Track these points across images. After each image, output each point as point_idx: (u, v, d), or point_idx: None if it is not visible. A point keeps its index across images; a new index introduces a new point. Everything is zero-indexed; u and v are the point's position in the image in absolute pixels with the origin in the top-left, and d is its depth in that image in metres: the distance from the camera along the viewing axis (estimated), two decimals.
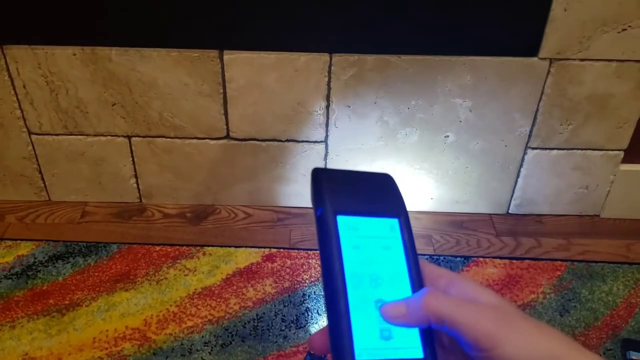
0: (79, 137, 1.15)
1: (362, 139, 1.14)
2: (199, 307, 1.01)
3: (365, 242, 0.33)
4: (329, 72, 1.05)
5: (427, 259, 1.12)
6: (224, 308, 1.01)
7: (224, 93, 1.08)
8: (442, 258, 1.12)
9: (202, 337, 0.96)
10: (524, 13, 0.98)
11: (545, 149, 1.14)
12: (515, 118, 1.10)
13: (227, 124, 1.12)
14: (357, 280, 0.32)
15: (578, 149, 1.14)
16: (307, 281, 1.06)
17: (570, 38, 1.00)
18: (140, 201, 1.25)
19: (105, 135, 1.15)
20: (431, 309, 0.31)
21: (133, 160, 1.18)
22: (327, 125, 1.12)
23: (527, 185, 1.19)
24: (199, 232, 1.19)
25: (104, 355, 0.93)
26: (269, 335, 0.97)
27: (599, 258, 1.14)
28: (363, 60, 1.03)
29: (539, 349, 0.30)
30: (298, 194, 1.23)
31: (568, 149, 1.14)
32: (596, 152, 1.14)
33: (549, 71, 1.04)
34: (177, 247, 1.13)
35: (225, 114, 1.11)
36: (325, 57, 1.03)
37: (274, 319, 0.99)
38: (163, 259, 1.10)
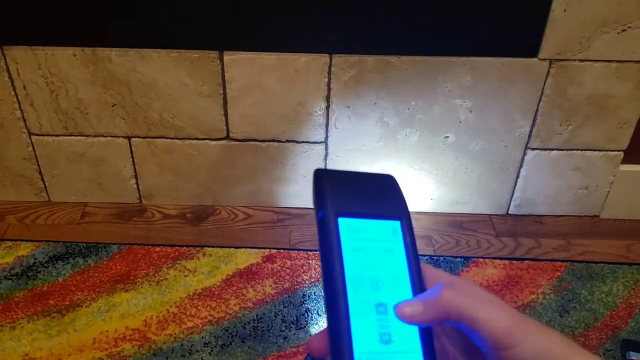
0: (79, 137, 1.15)
1: (362, 140, 1.14)
2: (199, 307, 1.01)
3: (367, 244, 0.33)
4: (329, 72, 1.05)
5: (427, 259, 1.12)
6: (224, 309, 1.01)
7: (224, 94, 1.08)
8: (442, 259, 1.12)
9: (202, 337, 0.96)
10: (524, 13, 0.98)
11: (545, 149, 1.14)
12: (515, 119, 1.10)
13: (227, 125, 1.12)
14: (357, 283, 0.32)
15: (578, 149, 1.14)
16: (307, 282, 1.06)
17: (570, 39, 1.00)
18: (141, 202, 1.25)
19: (106, 136, 1.15)
20: (451, 304, 0.31)
21: (133, 161, 1.18)
22: (327, 125, 1.12)
23: (526, 186, 1.20)
24: (199, 232, 1.19)
25: (104, 355, 0.93)
26: (269, 336, 0.97)
27: (599, 259, 1.14)
28: (363, 61, 1.03)
29: (552, 352, 0.30)
30: (298, 194, 1.23)
31: (568, 150, 1.14)
32: (596, 152, 1.14)
33: (548, 72, 1.04)
34: (177, 247, 1.13)
35: (226, 114, 1.11)
36: (325, 57, 1.03)
37: (274, 320, 0.99)
38: (163, 259, 1.10)
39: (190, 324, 0.98)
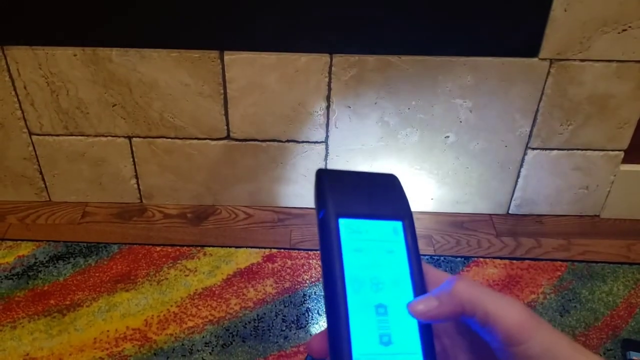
0: (80, 137, 1.15)
1: (362, 140, 1.14)
2: (199, 307, 1.01)
3: (368, 245, 0.33)
4: (330, 72, 1.05)
5: (427, 259, 1.12)
6: (225, 308, 1.01)
7: (225, 93, 1.08)
8: (442, 258, 1.12)
9: (203, 337, 0.96)
10: (524, 13, 0.98)
11: (546, 149, 1.14)
12: (515, 118, 1.10)
13: (227, 125, 1.12)
14: (357, 284, 0.31)
15: (578, 149, 1.14)
16: (307, 281, 1.06)
17: (571, 38, 1.00)
18: (141, 202, 1.25)
19: (106, 136, 1.15)
20: (464, 296, 0.31)
21: (134, 160, 1.18)
22: (327, 125, 1.12)
23: (527, 186, 1.20)
24: (199, 232, 1.19)
25: (104, 355, 0.93)
26: (270, 336, 0.97)
27: (599, 258, 1.14)
28: (363, 61, 1.03)
29: (559, 351, 0.30)
30: (298, 194, 1.23)
31: (568, 150, 1.14)
32: (596, 152, 1.14)
33: (549, 71, 1.04)
34: (178, 247, 1.13)
35: (226, 114, 1.11)
36: (325, 57, 1.03)
37: (274, 320, 0.99)
38: (164, 259, 1.10)
39: (191, 324, 0.98)
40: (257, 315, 1.00)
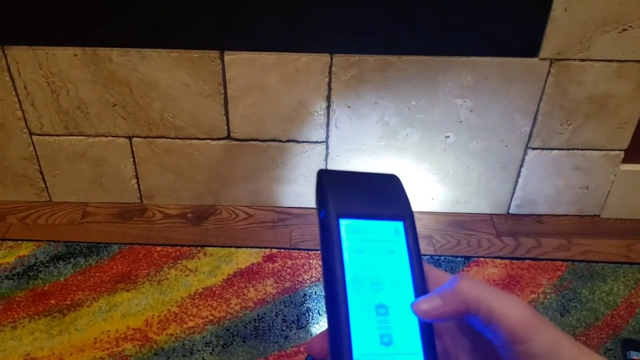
0: (80, 137, 1.15)
1: (362, 140, 1.14)
2: (200, 307, 1.01)
3: (369, 245, 0.33)
4: (330, 72, 1.05)
5: (427, 259, 1.12)
6: (225, 308, 1.01)
7: (225, 93, 1.08)
8: (442, 258, 1.12)
9: (203, 337, 0.96)
10: (524, 13, 0.98)
11: (546, 149, 1.14)
12: (515, 118, 1.10)
13: (227, 125, 1.12)
14: (358, 284, 0.31)
15: (578, 149, 1.14)
16: (307, 281, 1.06)
17: (571, 38, 1.00)
18: (141, 202, 1.25)
19: (106, 136, 1.15)
20: (468, 294, 0.30)
21: (134, 160, 1.18)
22: (327, 125, 1.12)
23: (527, 186, 1.20)
24: (199, 232, 1.19)
25: (105, 355, 0.93)
26: (270, 336, 0.97)
27: (600, 258, 1.14)
28: (364, 61, 1.03)
29: (562, 350, 0.29)
30: (299, 194, 1.23)
31: (568, 149, 1.14)
32: (596, 152, 1.14)
33: (549, 71, 1.04)
34: (178, 247, 1.13)
35: (226, 114, 1.11)
36: (325, 57, 1.03)
37: (275, 319, 0.99)
38: (164, 259, 1.10)
39: (191, 324, 0.98)
40: (258, 315, 1.00)
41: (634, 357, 0.94)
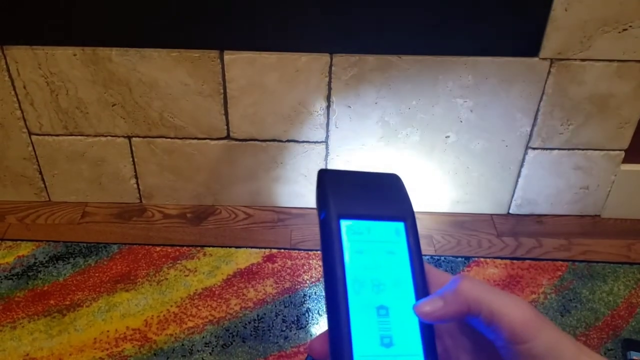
0: (79, 137, 1.15)
1: (362, 139, 1.13)
2: (199, 307, 1.01)
3: (369, 246, 0.33)
4: (330, 72, 1.05)
5: (428, 259, 1.12)
6: (225, 309, 1.01)
7: (225, 93, 1.08)
8: (443, 258, 1.12)
9: (203, 337, 0.96)
10: (524, 13, 0.98)
11: (546, 149, 1.14)
12: (516, 118, 1.10)
13: (227, 124, 1.12)
14: (359, 285, 0.31)
15: (579, 149, 1.14)
16: (307, 282, 1.06)
17: (571, 38, 1.00)
18: (141, 202, 1.25)
19: (106, 136, 1.15)
20: (469, 295, 0.30)
21: (133, 160, 1.18)
22: (327, 125, 1.12)
23: (527, 185, 1.19)
24: (199, 232, 1.18)
25: (104, 355, 0.93)
26: (270, 336, 0.97)
27: (600, 258, 1.14)
28: (364, 61, 1.03)
29: (563, 350, 0.29)
30: (298, 194, 1.23)
31: (569, 149, 1.14)
32: (597, 152, 1.14)
33: (549, 71, 1.04)
34: (178, 247, 1.13)
35: (226, 114, 1.11)
36: (326, 57, 1.03)
37: (274, 320, 0.99)
38: (163, 259, 1.10)
39: (190, 324, 0.98)
40: (257, 316, 1.00)
41: (634, 357, 0.93)
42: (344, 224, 0.32)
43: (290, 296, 1.03)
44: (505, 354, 0.30)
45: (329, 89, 1.07)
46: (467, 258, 1.12)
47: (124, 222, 1.21)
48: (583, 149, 1.14)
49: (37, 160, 1.19)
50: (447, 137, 1.13)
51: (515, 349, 0.30)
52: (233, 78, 1.06)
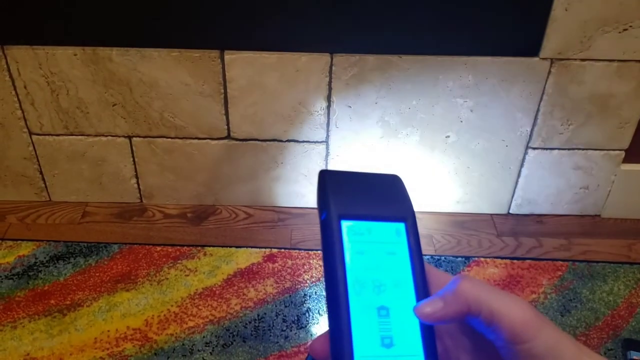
0: (80, 137, 1.15)
1: (363, 139, 1.14)
2: (200, 307, 1.01)
3: (370, 247, 0.33)
4: (330, 72, 1.05)
5: (428, 259, 1.12)
6: (225, 308, 1.01)
7: (225, 93, 1.08)
8: (443, 258, 1.12)
9: (203, 337, 0.96)
10: (525, 13, 0.98)
11: (546, 148, 1.14)
12: (516, 118, 1.10)
13: (228, 124, 1.12)
14: (359, 286, 0.31)
15: (579, 148, 1.14)
16: (308, 281, 1.06)
17: (571, 38, 1.00)
18: (141, 201, 1.25)
19: (106, 136, 1.15)
20: (469, 295, 0.30)
21: (134, 160, 1.18)
22: (328, 125, 1.12)
23: (528, 185, 1.19)
24: (199, 232, 1.18)
25: (105, 355, 0.93)
26: (270, 336, 0.97)
27: (600, 258, 1.14)
28: (364, 60, 1.03)
29: (563, 350, 0.29)
30: (299, 194, 1.23)
31: (569, 149, 1.14)
32: (597, 152, 1.14)
33: (550, 71, 1.04)
34: (178, 247, 1.13)
35: (226, 114, 1.11)
36: (326, 57, 1.03)
37: (275, 319, 0.99)
38: (164, 259, 1.10)
39: (191, 324, 0.98)
40: (258, 315, 1.00)
41: (635, 357, 0.94)
42: (345, 224, 0.33)
43: (290, 296, 1.03)
44: (505, 354, 0.30)
45: (329, 88, 1.07)
46: (467, 258, 1.12)
47: (124, 222, 1.21)
48: (583, 149, 1.14)
49: (38, 160, 1.19)
50: (447, 137, 1.13)
51: (515, 349, 0.30)
52: (233, 78, 1.06)
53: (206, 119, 1.11)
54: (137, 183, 1.22)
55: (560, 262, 1.12)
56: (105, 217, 1.22)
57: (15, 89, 1.08)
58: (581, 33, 0.99)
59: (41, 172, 1.21)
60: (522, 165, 1.16)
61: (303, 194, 1.23)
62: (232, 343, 0.96)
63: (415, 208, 0.35)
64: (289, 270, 1.08)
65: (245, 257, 1.11)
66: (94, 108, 1.11)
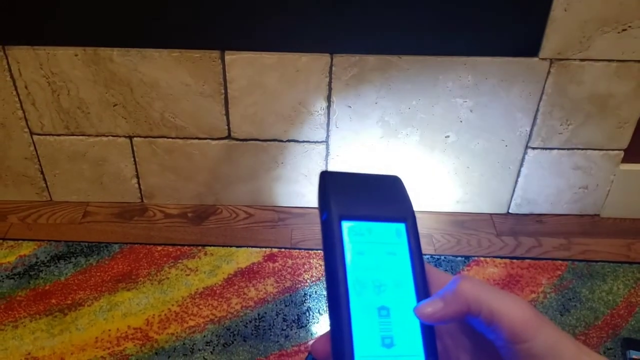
0: (81, 137, 1.15)
1: (363, 139, 1.14)
2: (200, 306, 1.01)
3: (370, 247, 0.33)
4: (330, 72, 1.05)
5: (428, 258, 1.12)
6: (226, 308, 1.01)
7: (225, 93, 1.08)
8: (442, 258, 1.13)
9: (204, 336, 0.97)
10: (524, 13, 0.98)
11: (546, 148, 1.14)
12: (515, 118, 1.10)
13: (228, 124, 1.13)
14: (360, 287, 0.32)
15: (578, 148, 1.14)
16: (308, 281, 1.07)
17: (571, 38, 1.00)
18: (142, 201, 1.26)
19: (107, 136, 1.15)
20: (469, 294, 0.31)
21: (134, 160, 1.19)
22: (328, 125, 1.12)
23: (527, 185, 1.20)
24: (200, 232, 1.19)
25: (106, 354, 0.93)
26: (271, 335, 0.97)
27: (600, 257, 1.14)
28: (364, 61, 1.04)
29: (562, 350, 0.30)
30: (299, 194, 1.23)
31: (568, 149, 1.14)
32: (596, 151, 1.14)
33: (549, 71, 1.04)
34: (179, 247, 1.13)
35: (227, 114, 1.11)
36: (326, 57, 1.04)
37: (275, 319, 1.00)
38: (165, 258, 1.10)
39: (192, 323, 0.99)
40: (258, 315, 1.00)
41: (634, 357, 0.94)
42: (346, 225, 0.33)
43: (290, 295, 1.04)
44: (505, 353, 0.31)
45: (329, 89, 1.07)
46: (467, 257, 1.13)
47: (125, 222, 1.21)
48: (582, 149, 1.14)
49: (39, 160, 1.19)
50: (447, 137, 1.13)
51: (515, 349, 0.30)
52: (234, 78, 1.06)
53: (207, 119, 1.12)
54: (138, 183, 1.22)
55: (560, 262, 1.12)
56: (106, 216, 1.22)
57: (16, 89, 1.09)
58: (580, 33, 0.99)
59: (42, 172, 1.21)
60: (521, 165, 1.17)
61: (303, 193, 1.23)
62: (232, 342, 0.96)
63: (415, 208, 0.35)
64: (289, 270, 1.09)
65: (246, 257, 1.11)
66: (94, 108, 1.11)
